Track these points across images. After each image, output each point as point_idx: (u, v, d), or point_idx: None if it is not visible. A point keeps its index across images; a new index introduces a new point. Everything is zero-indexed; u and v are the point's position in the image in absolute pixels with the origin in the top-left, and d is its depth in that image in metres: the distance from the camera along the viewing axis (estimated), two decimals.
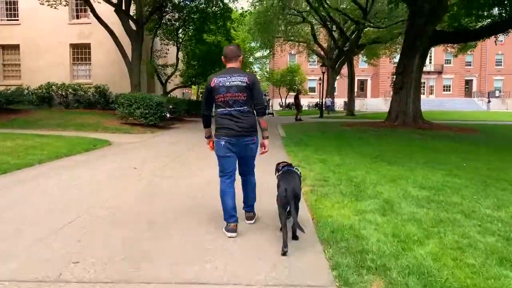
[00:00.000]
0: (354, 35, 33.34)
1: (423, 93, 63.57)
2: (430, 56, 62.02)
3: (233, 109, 3.89)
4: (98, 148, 10.52)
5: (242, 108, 3.90)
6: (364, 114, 35.11)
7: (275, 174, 4.32)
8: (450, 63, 62.76)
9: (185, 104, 23.93)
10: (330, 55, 42.49)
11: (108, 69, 27.08)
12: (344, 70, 50.04)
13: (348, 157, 8.95)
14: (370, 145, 11.45)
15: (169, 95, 32.19)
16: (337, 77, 45.21)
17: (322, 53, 44.50)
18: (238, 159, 4.13)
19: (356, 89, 66.69)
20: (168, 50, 31.58)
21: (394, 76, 18.91)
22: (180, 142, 12.35)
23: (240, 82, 3.86)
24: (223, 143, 3.94)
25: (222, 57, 4.12)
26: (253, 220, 4.34)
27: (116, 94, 20.82)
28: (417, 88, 17.88)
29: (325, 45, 44.26)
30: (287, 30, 40.27)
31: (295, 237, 3.77)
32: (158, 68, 29.13)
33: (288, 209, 3.53)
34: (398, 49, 42.23)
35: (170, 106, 20.24)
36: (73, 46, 27.79)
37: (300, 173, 4.17)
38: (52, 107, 23.58)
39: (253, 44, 49.36)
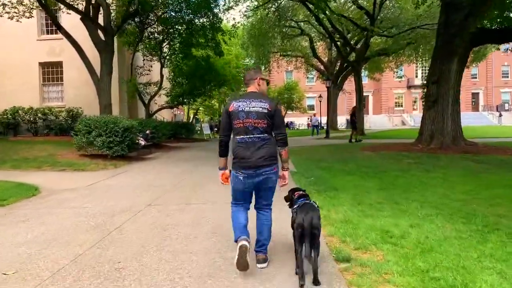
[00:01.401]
0: (360, 45, 29.83)
1: None
2: None
3: (253, 136, 3.61)
4: (6, 204, 6.62)
5: (262, 135, 3.61)
6: (373, 133, 31.24)
7: (288, 203, 4.08)
8: None
9: (169, 127, 20.10)
10: (331, 70, 39.08)
11: (82, 90, 23.70)
12: (346, 85, 46.91)
13: (416, 217, 5.19)
14: (425, 185, 7.62)
15: (154, 117, 28.53)
16: (340, 93, 41.73)
17: (322, 67, 41.12)
18: (255, 191, 3.78)
19: (355, 105, 63.83)
20: (152, 66, 27.94)
21: (425, 88, 15.21)
22: (154, 183, 8.50)
23: (261, 108, 3.61)
24: (241, 178, 3.66)
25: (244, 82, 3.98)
26: (266, 264, 3.74)
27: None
28: (456, 100, 14.15)
29: (325, 59, 40.89)
30: (284, 43, 36.81)
31: (316, 282, 3.18)
32: (139, 87, 25.48)
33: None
34: (404, 61, 39.20)
35: (147, 131, 16.41)
36: (43, 65, 24.56)
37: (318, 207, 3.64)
38: (18, 134, 20.82)
39: (247, 61, 45.92)
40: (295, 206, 3.71)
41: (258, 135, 3.61)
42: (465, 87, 59.58)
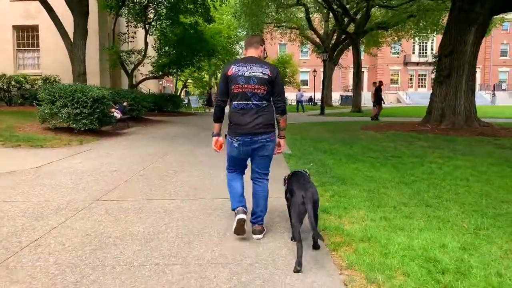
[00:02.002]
0: (360, 16, 27.93)
1: (423, 86, 58.85)
2: (432, 46, 57.17)
3: (251, 102, 3.42)
4: None
5: (260, 102, 3.44)
6: (370, 111, 29.61)
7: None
8: None
9: (150, 99, 18.32)
10: (327, 43, 37.17)
11: (60, 56, 22.06)
12: (342, 60, 45.07)
13: (465, 232, 3.66)
14: (453, 178, 6.09)
15: (139, 88, 26.67)
16: (335, 68, 39.95)
17: (317, 40, 39.17)
18: (251, 159, 3.64)
19: (352, 82, 62.10)
20: (135, 33, 25.88)
21: (436, 59, 13.57)
22: (115, 167, 6.85)
23: (261, 74, 3.41)
24: (236, 145, 3.51)
25: (244, 49, 3.77)
26: (262, 235, 3.63)
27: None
28: (471, 75, 12.55)
29: (320, 31, 38.89)
30: (279, 13, 34.71)
31: (316, 246, 3.30)
32: (122, 55, 23.53)
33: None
34: (403, 36, 37.42)
35: (124, 103, 14.68)
36: (17, 29, 22.63)
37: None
38: None
39: (239, 32, 43.69)
40: (287, 177, 3.68)
41: (256, 102, 3.43)
42: None
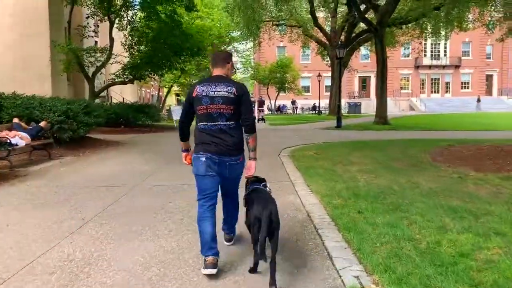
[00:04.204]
0: (385, 2, 22.58)
1: (436, 91, 53.56)
2: (445, 47, 52.06)
3: (217, 123, 3.27)
4: None
5: (228, 123, 3.29)
6: (396, 120, 24.02)
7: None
8: (468, 55, 52.77)
9: (101, 111, 12.91)
10: (335, 41, 31.89)
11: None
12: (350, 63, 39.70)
13: None
14: None
15: (107, 97, 21.31)
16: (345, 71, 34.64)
17: (323, 39, 33.92)
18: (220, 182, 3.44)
19: (358, 88, 56.71)
20: (98, 26, 20.58)
21: None
22: None
23: (227, 93, 3.26)
24: (203, 159, 3.26)
25: (210, 64, 3.69)
26: (232, 241, 3.78)
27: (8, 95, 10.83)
28: None
29: (326, 29, 33.64)
30: (278, 7, 29.40)
31: (272, 282, 2.86)
32: (81, 55, 18.22)
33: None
34: (416, 35, 32.50)
35: (41, 124, 9.24)
36: None
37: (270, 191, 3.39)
38: None
39: (233, 33, 38.39)
40: (246, 193, 3.41)
41: (223, 123, 3.27)
42: (479, 68, 53.00)
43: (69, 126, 10.19)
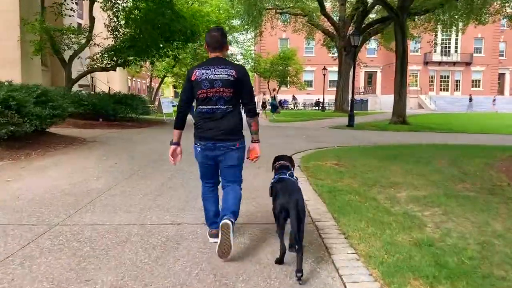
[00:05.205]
0: None
1: (446, 89, 50.95)
2: (456, 43, 49.45)
3: (216, 107, 3.20)
4: None
5: (226, 106, 3.22)
6: (415, 119, 21.40)
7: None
8: (480, 51, 50.11)
9: (64, 102, 10.38)
10: (343, 32, 29.34)
11: None
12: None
13: None
14: None
15: (91, 87, 18.83)
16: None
17: (331, 29, 31.34)
18: (220, 170, 3.41)
19: (363, 84, 53.97)
20: (77, 3, 18.01)
21: None
22: None
23: (226, 75, 3.19)
24: (199, 149, 3.31)
25: (205, 45, 3.38)
26: (219, 240, 3.40)
27: None
28: None
29: (335, 18, 31.06)
30: None
31: (299, 272, 2.74)
32: (55, 36, 15.71)
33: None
34: (430, 27, 30.02)
35: None
36: None
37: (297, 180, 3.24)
38: None
39: (234, 23, 35.72)
40: (272, 180, 3.33)
41: (221, 106, 3.21)
42: (491, 66, 50.40)
43: (9, 119, 7.70)
